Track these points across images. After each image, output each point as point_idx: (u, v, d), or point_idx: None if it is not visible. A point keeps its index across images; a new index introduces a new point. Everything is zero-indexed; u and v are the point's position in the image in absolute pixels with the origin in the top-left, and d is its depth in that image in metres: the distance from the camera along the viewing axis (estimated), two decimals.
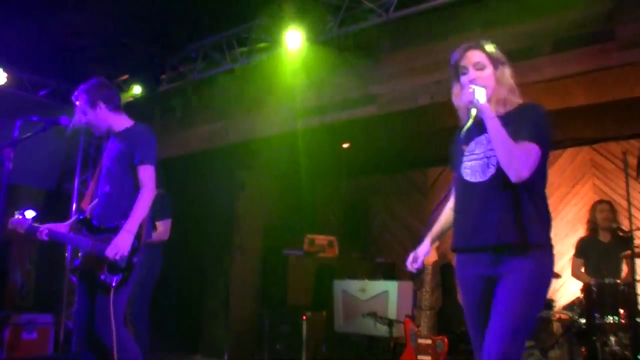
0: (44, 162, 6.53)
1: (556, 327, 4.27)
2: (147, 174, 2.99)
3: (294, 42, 4.83)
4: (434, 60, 4.47)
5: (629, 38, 3.62)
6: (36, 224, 3.08)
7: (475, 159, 2.16)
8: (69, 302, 6.38)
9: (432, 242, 2.48)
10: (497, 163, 2.05)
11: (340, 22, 4.82)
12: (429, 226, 2.49)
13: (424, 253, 2.45)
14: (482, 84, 2.12)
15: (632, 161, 4.02)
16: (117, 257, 2.82)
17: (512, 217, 2.02)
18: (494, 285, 2.06)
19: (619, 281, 3.85)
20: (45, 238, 3.05)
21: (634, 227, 4.05)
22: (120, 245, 2.83)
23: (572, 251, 4.76)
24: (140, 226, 2.94)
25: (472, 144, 2.20)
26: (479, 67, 2.17)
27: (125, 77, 6.26)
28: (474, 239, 2.11)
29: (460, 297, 2.22)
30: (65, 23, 5.23)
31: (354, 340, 5.06)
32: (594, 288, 3.88)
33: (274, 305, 5.62)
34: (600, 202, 4.72)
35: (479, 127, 2.12)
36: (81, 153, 6.72)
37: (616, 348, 3.78)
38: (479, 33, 4.28)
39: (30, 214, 3.09)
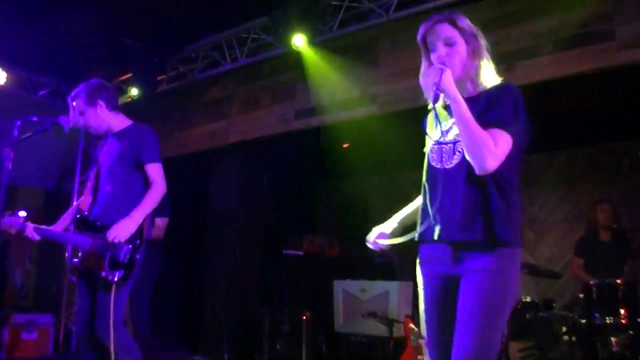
0: (44, 162, 6.53)
1: (556, 327, 4.26)
2: (156, 171, 3.04)
3: (294, 42, 4.82)
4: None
5: (629, 38, 3.62)
6: (28, 223, 3.06)
7: (442, 143, 1.97)
8: (69, 302, 6.38)
9: (400, 223, 2.19)
10: (463, 150, 1.86)
11: (340, 22, 4.82)
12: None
13: (388, 233, 2.16)
14: (452, 61, 1.91)
15: (632, 161, 4.02)
16: (116, 241, 2.83)
17: (478, 211, 1.83)
18: (455, 285, 1.87)
19: (619, 281, 3.85)
20: (36, 237, 3.04)
21: (634, 227, 4.05)
22: (122, 229, 2.84)
23: (572, 251, 4.76)
24: (142, 225, 2.95)
25: (439, 127, 2.00)
26: (449, 43, 1.95)
27: (125, 77, 6.26)
28: (437, 232, 1.90)
29: (420, 299, 2.04)
30: (65, 23, 5.23)
31: (354, 340, 5.05)
32: (594, 288, 3.87)
33: (274, 305, 5.62)
34: (601, 201, 4.71)
35: (448, 108, 1.93)
36: (81, 153, 6.72)
37: (616, 348, 3.78)
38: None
39: (22, 214, 3.08)
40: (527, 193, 5.87)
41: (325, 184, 7.61)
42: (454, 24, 1.97)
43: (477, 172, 1.80)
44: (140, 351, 2.97)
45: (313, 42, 4.88)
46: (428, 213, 1.96)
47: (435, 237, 1.91)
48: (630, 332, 3.73)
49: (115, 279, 2.83)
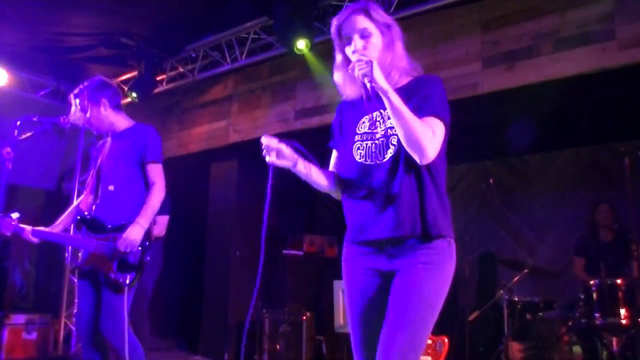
0: (44, 162, 6.53)
1: (556, 327, 4.26)
2: (157, 173, 3.05)
3: (297, 45, 4.80)
4: (434, 60, 4.47)
5: (629, 38, 3.62)
6: (22, 225, 3.01)
7: (370, 139, 1.89)
8: (69, 302, 6.38)
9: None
10: (399, 142, 1.79)
11: None
12: None
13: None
14: (369, 54, 1.84)
15: (632, 161, 4.02)
16: (128, 250, 2.84)
17: (414, 204, 1.78)
18: (387, 282, 1.80)
19: (619, 281, 3.85)
20: (34, 239, 3.00)
21: (634, 227, 4.05)
22: (132, 238, 2.86)
23: (574, 246, 4.76)
24: (150, 226, 2.97)
25: (364, 122, 1.93)
26: (365, 35, 1.88)
27: (125, 77, 6.26)
28: (370, 230, 1.83)
29: (345, 298, 1.96)
30: (65, 23, 5.23)
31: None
32: (594, 288, 3.87)
33: (274, 305, 5.61)
34: (601, 202, 4.71)
35: (372, 102, 1.89)
36: (81, 153, 6.72)
37: (616, 348, 3.78)
38: (479, 33, 4.29)
39: (14, 215, 3.02)
40: (527, 193, 5.87)
41: None
42: (368, 15, 1.90)
43: (419, 161, 1.76)
44: (143, 352, 2.97)
45: (313, 42, 4.88)
46: (357, 211, 1.89)
47: (369, 238, 1.84)
48: (631, 332, 3.73)
49: (128, 282, 2.84)
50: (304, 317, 5.11)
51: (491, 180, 4.79)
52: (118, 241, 2.85)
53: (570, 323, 4.04)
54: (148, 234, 2.95)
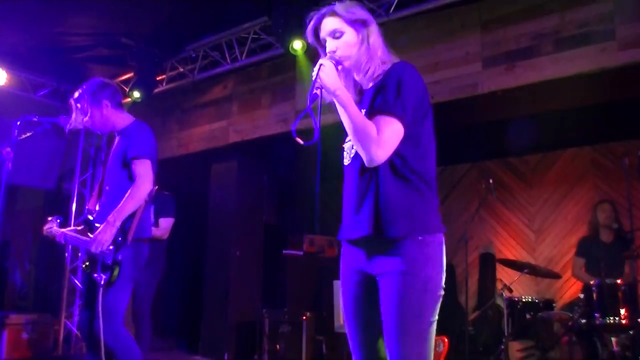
0: (44, 162, 6.53)
1: (556, 327, 4.26)
2: (140, 167, 2.95)
3: (293, 42, 4.81)
4: (434, 60, 4.47)
5: (629, 38, 3.62)
6: (57, 229, 3.15)
7: (350, 140, 1.89)
8: (69, 302, 6.38)
9: None
10: None
11: None
12: None
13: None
14: (342, 54, 1.84)
15: (633, 161, 4.02)
16: (97, 251, 2.81)
17: (367, 205, 1.74)
18: (374, 284, 1.78)
19: (619, 281, 3.85)
20: (63, 242, 3.11)
21: (634, 227, 4.05)
22: (100, 238, 2.81)
23: (573, 251, 4.76)
24: (128, 222, 2.90)
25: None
26: (337, 35, 1.87)
27: (125, 77, 6.26)
28: (346, 229, 1.85)
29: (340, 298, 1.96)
30: (65, 23, 5.23)
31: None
32: (594, 288, 3.87)
33: (274, 305, 5.61)
34: (602, 201, 4.71)
35: (359, 102, 1.89)
36: (81, 153, 6.72)
37: (616, 348, 3.78)
38: (479, 33, 4.29)
39: (58, 218, 3.23)
40: (527, 193, 5.87)
41: (325, 184, 7.60)
42: (338, 15, 1.87)
43: (366, 164, 1.73)
44: (141, 352, 2.96)
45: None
46: (343, 210, 1.92)
47: (346, 236, 1.87)
48: (631, 332, 3.73)
49: (102, 282, 2.81)
50: (304, 317, 5.11)
51: (491, 180, 4.79)
52: (89, 242, 2.84)
53: (570, 323, 4.04)
54: (123, 231, 2.88)
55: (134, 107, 6.00)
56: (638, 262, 3.99)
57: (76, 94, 3.13)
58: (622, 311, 3.74)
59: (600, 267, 3.95)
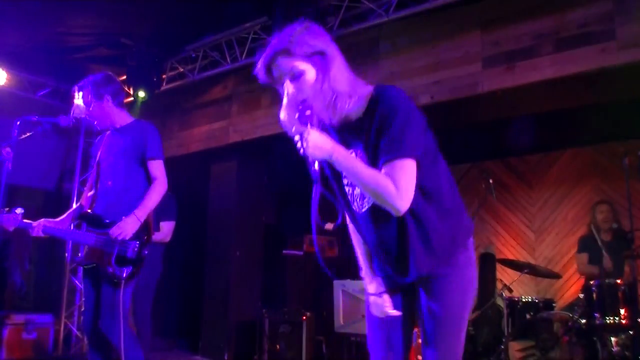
0: (44, 162, 6.53)
1: (556, 327, 4.26)
2: (159, 168, 3.06)
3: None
4: (434, 60, 4.47)
5: (629, 38, 3.62)
6: (28, 221, 3.03)
7: (350, 184, 1.80)
8: (69, 302, 6.38)
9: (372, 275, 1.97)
10: None
11: (340, 22, 4.82)
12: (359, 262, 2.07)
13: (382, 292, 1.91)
14: (306, 96, 1.64)
15: (633, 161, 4.02)
16: (120, 238, 2.84)
17: (417, 247, 1.72)
18: (408, 288, 1.84)
19: (619, 281, 3.84)
20: (41, 234, 3.01)
21: (634, 227, 4.04)
22: (127, 227, 2.86)
23: (573, 251, 4.77)
24: (148, 221, 2.96)
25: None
26: (295, 77, 1.65)
27: (125, 77, 6.25)
28: (392, 275, 1.83)
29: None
30: (65, 23, 5.23)
31: (354, 340, 5.05)
32: (594, 288, 3.87)
33: (274, 305, 5.61)
34: (600, 202, 4.71)
35: (345, 141, 1.73)
36: (81, 153, 6.72)
37: (616, 348, 3.78)
38: (479, 33, 4.29)
39: (18, 211, 3.03)
40: (527, 193, 5.87)
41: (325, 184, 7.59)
42: (291, 53, 1.64)
43: (393, 214, 1.65)
44: (142, 352, 2.96)
45: None
46: (372, 255, 1.90)
47: (388, 286, 1.87)
48: (630, 332, 3.73)
49: (124, 275, 2.83)
50: (304, 317, 5.11)
51: (491, 180, 4.79)
52: (112, 227, 2.86)
53: (570, 323, 4.04)
54: (146, 228, 2.94)
55: (134, 107, 5.99)
56: (638, 262, 3.99)
57: (81, 83, 3.14)
58: (622, 311, 3.74)
59: (602, 260, 3.95)
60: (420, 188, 1.67)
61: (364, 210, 1.77)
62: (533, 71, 3.99)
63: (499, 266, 5.54)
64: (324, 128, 1.74)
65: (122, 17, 5.16)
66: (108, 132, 3.22)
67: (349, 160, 1.62)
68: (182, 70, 6.05)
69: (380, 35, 4.81)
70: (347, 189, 1.83)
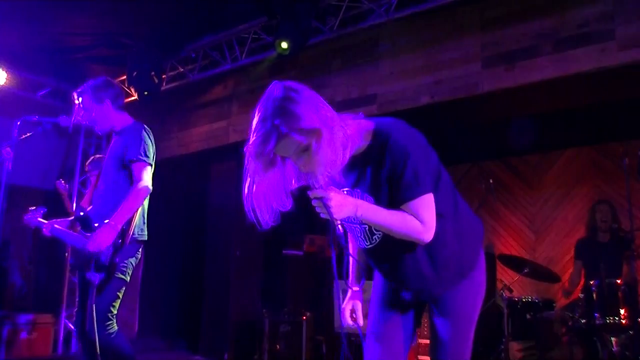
0: (44, 162, 6.53)
1: (556, 327, 4.26)
2: (139, 171, 2.96)
3: (282, 46, 4.77)
4: (434, 60, 4.47)
5: (629, 38, 3.62)
6: (42, 220, 3.18)
7: (352, 223, 1.82)
8: (69, 302, 6.38)
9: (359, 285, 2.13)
10: None
11: (340, 22, 4.82)
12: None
13: (359, 305, 2.09)
14: (321, 167, 1.60)
15: (632, 161, 4.02)
16: (96, 251, 2.81)
17: (431, 271, 1.82)
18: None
19: (619, 281, 3.84)
20: (48, 234, 3.11)
21: (634, 227, 4.04)
22: (99, 238, 2.81)
23: (572, 251, 4.76)
24: (126, 224, 2.91)
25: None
26: (301, 151, 1.60)
27: (125, 77, 6.25)
28: (407, 295, 1.94)
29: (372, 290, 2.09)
30: (65, 23, 5.23)
31: (354, 340, 5.05)
32: (593, 288, 3.87)
33: (274, 305, 5.61)
34: (600, 202, 4.71)
35: (347, 179, 1.79)
36: (81, 153, 6.72)
37: (616, 348, 3.78)
38: (479, 33, 4.29)
39: (40, 210, 3.25)
40: (527, 193, 5.87)
41: None
42: (290, 136, 1.56)
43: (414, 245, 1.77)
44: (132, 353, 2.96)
45: (313, 41, 4.88)
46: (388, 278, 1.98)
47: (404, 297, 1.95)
48: (630, 332, 3.73)
49: (97, 282, 2.82)
50: (304, 317, 5.11)
51: (491, 180, 4.79)
52: (88, 241, 2.84)
53: (570, 323, 4.04)
54: (122, 233, 2.89)
55: (134, 107, 5.99)
56: (638, 262, 3.99)
57: (80, 88, 3.15)
58: (622, 311, 3.74)
59: (598, 268, 3.95)
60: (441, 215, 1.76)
61: (371, 246, 1.84)
62: (533, 71, 3.99)
63: (499, 266, 5.54)
64: (332, 181, 1.72)
65: (122, 17, 5.16)
66: (113, 137, 3.23)
67: (373, 210, 1.67)
68: (182, 70, 6.05)
69: (380, 35, 4.81)
70: (351, 226, 1.89)
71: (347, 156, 1.69)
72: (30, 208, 3.24)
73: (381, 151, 1.68)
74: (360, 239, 1.85)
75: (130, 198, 2.90)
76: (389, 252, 1.82)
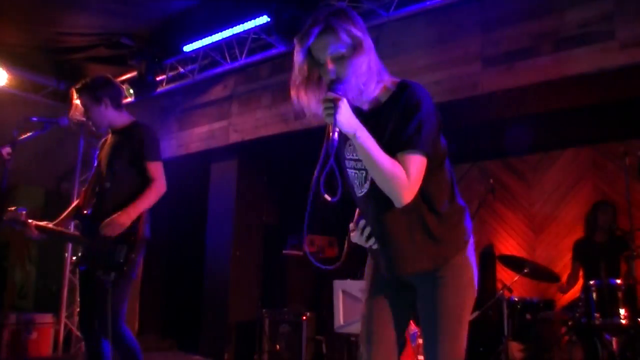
0: (44, 162, 6.52)
1: (556, 327, 4.26)
2: (157, 170, 3.05)
3: (292, 42, 4.80)
4: (434, 60, 4.46)
5: (629, 38, 3.62)
6: (29, 220, 3.05)
7: (354, 168, 1.84)
8: (69, 302, 6.38)
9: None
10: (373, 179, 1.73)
11: None
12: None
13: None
14: (348, 80, 1.67)
15: (633, 161, 4.02)
16: (109, 234, 2.84)
17: (422, 241, 1.78)
18: (407, 285, 1.90)
19: (619, 281, 3.85)
20: (35, 234, 3.00)
21: (634, 227, 4.05)
22: (114, 223, 2.85)
23: (572, 250, 4.77)
24: (139, 223, 2.94)
25: (350, 144, 1.82)
26: (337, 57, 1.69)
27: (125, 77, 6.25)
28: (394, 265, 1.86)
29: (365, 285, 2.05)
30: (65, 23, 5.23)
31: (354, 340, 5.05)
32: (593, 288, 3.87)
33: (274, 305, 5.61)
34: (604, 203, 4.71)
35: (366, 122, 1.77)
36: (81, 153, 6.72)
37: (616, 348, 3.78)
38: (479, 33, 4.29)
39: (22, 210, 3.07)
40: (527, 193, 5.87)
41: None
42: (337, 34, 1.67)
43: (396, 205, 1.69)
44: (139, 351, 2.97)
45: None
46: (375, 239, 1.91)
47: (389, 272, 1.88)
48: (631, 332, 3.73)
49: (111, 280, 2.83)
50: (304, 317, 5.11)
51: (491, 180, 4.79)
52: (104, 227, 2.86)
53: (570, 323, 4.04)
54: (136, 230, 2.92)
55: (134, 107, 6.00)
56: (637, 262, 3.99)
57: (79, 86, 3.16)
58: (622, 311, 3.74)
59: (596, 267, 3.96)
60: (422, 191, 1.72)
61: (362, 193, 1.82)
62: (533, 71, 3.98)
63: (499, 266, 5.54)
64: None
65: (122, 17, 5.16)
66: (109, 135, 3.23)
67: (370, 141, 1.64)
68: (182, 70, 6.05)
69: (380, 35, 4.81)
70: (348, 171, 1.87)
71: (375, 92, 1.75)
72: (8, 208, 3.02)
73: (400, 95, 1.73)
74: (355, 183, 1.84)
75: (149, 194, 2.98)
76: (384, 203, 1.73)
